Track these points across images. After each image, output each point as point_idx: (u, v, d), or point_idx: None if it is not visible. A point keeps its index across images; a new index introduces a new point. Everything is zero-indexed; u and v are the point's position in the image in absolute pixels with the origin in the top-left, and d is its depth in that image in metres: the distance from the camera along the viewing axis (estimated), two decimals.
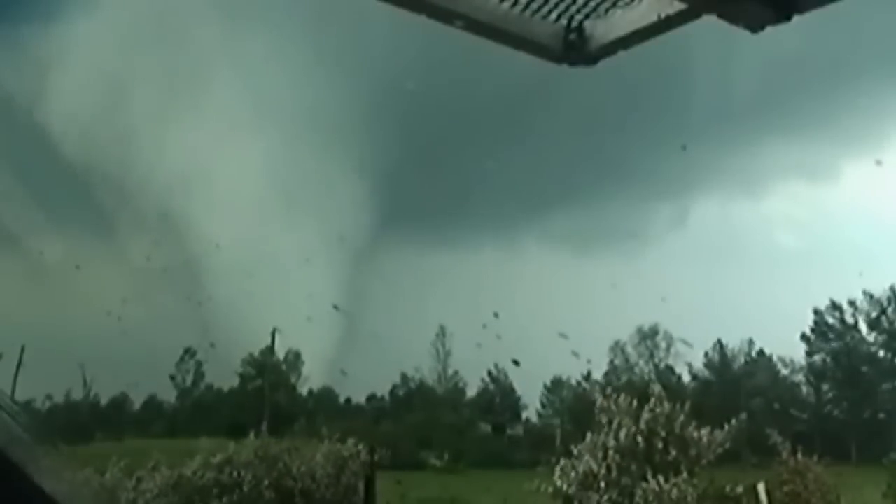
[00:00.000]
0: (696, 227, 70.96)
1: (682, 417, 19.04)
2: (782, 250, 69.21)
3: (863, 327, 67.95)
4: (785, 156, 67.22)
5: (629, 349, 69.84)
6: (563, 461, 18.97)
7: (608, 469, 18.35)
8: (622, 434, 18.57)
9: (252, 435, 24.42)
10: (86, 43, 58.31)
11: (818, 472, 21.40)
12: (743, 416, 20.06)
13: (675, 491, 18.35)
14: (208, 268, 55.55)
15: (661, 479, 18.39)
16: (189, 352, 70.19)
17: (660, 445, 18.75)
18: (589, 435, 19.00)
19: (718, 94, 62.41)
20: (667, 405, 18.96)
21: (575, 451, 18.90)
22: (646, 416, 18.80)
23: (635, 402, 19.04)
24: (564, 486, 18.59)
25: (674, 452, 18.67)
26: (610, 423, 18.84)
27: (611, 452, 18.44)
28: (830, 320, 67.74)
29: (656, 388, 19.60)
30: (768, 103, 62.71)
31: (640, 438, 18.49)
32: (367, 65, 59.78)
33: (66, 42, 58.96)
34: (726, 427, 19.26)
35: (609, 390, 20.24)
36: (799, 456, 21.37)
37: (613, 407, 18.89)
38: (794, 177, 76.77)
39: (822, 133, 69.78)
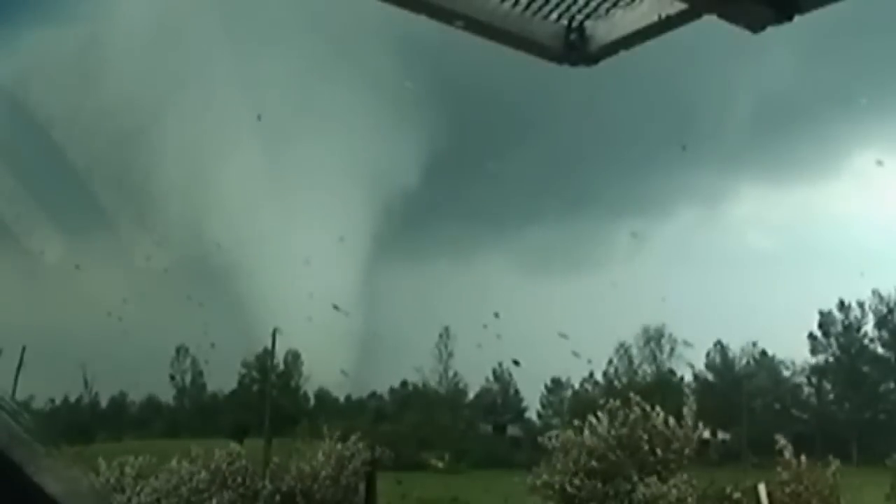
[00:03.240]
0: (686, 232, 70.65)
1: (660, 416, 20.19)
2: (780, 253, 69.11)
3: (864, 328, 67.94)
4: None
5: (633, 350, 69.87)
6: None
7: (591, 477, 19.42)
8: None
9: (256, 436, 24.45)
10: None
11: (819, 475, 21.45)
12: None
13: (674, 492, 18.69)
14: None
15: (656, 479, 18.97)
16: (182, 350, 69.89)
17: (645, 447, 19.68)
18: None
19: (720, 98, 62.35)
20: (643, 408, 20.34)
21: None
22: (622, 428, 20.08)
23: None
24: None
25: (659, 450, 19.63)
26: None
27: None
28: (835, 319, 67.65)
29: (630, 394, 21.56)
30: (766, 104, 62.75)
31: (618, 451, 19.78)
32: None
33: None
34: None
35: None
36: (802, 458, 21.55)
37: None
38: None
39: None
